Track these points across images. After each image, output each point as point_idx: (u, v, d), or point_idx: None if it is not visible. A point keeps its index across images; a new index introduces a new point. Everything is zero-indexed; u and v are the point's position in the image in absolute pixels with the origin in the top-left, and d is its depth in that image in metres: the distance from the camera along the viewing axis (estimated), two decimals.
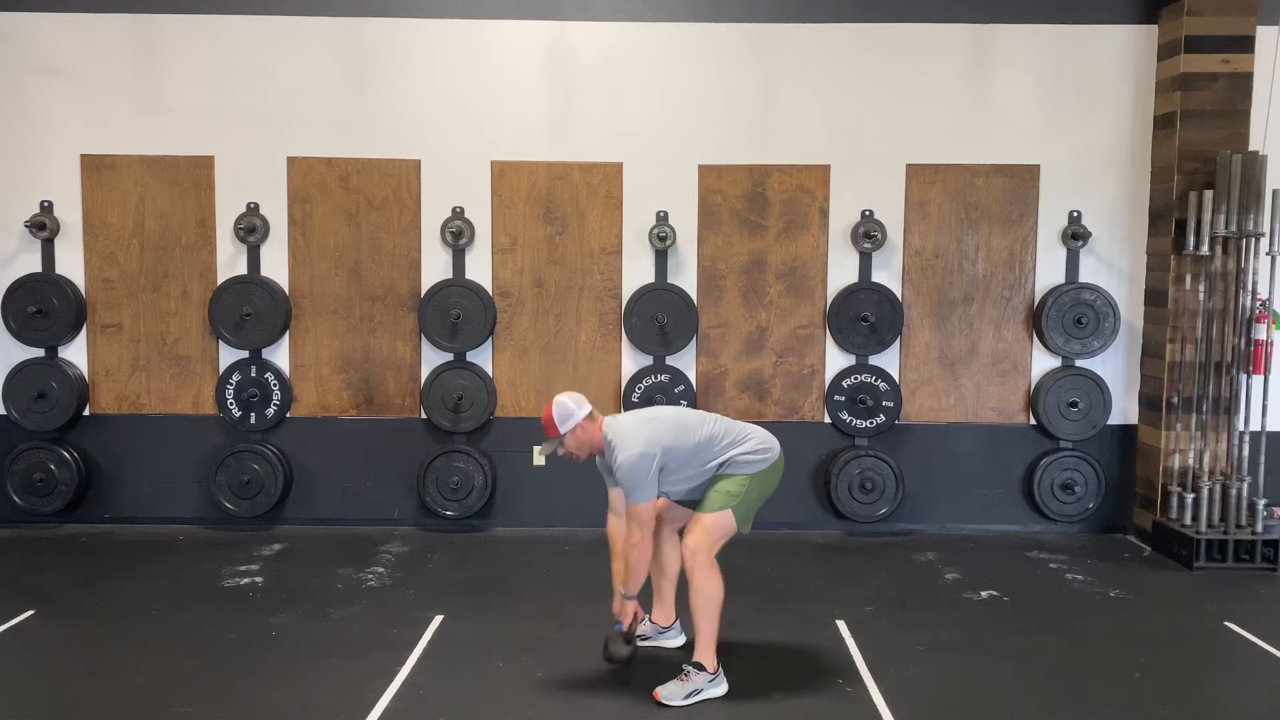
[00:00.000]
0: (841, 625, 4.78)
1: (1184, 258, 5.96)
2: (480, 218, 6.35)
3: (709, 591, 4.04)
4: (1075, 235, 6.32)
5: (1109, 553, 6.10)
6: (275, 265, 6.35)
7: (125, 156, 6.29)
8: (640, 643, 4.50)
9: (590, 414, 4.10)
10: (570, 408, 4.07)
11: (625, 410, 6.31)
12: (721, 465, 4.11)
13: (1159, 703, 4.03)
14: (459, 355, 6.38)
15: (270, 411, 6.34)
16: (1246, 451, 5.86)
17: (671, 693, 3.95)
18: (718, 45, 6.30)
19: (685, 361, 6.40)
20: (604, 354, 6.40)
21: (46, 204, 6.29)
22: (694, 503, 4.20)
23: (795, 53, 6.30)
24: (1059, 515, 6.40)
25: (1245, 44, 5.93)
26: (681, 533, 4.32)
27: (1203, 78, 5.96)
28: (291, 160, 6.32)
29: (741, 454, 4.12)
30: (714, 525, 4.06)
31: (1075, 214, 6.36)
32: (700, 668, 4.00)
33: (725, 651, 4.19)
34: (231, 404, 6.33)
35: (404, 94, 6.30)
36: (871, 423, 6.37)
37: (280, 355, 6.40)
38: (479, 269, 6.38)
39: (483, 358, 6.42)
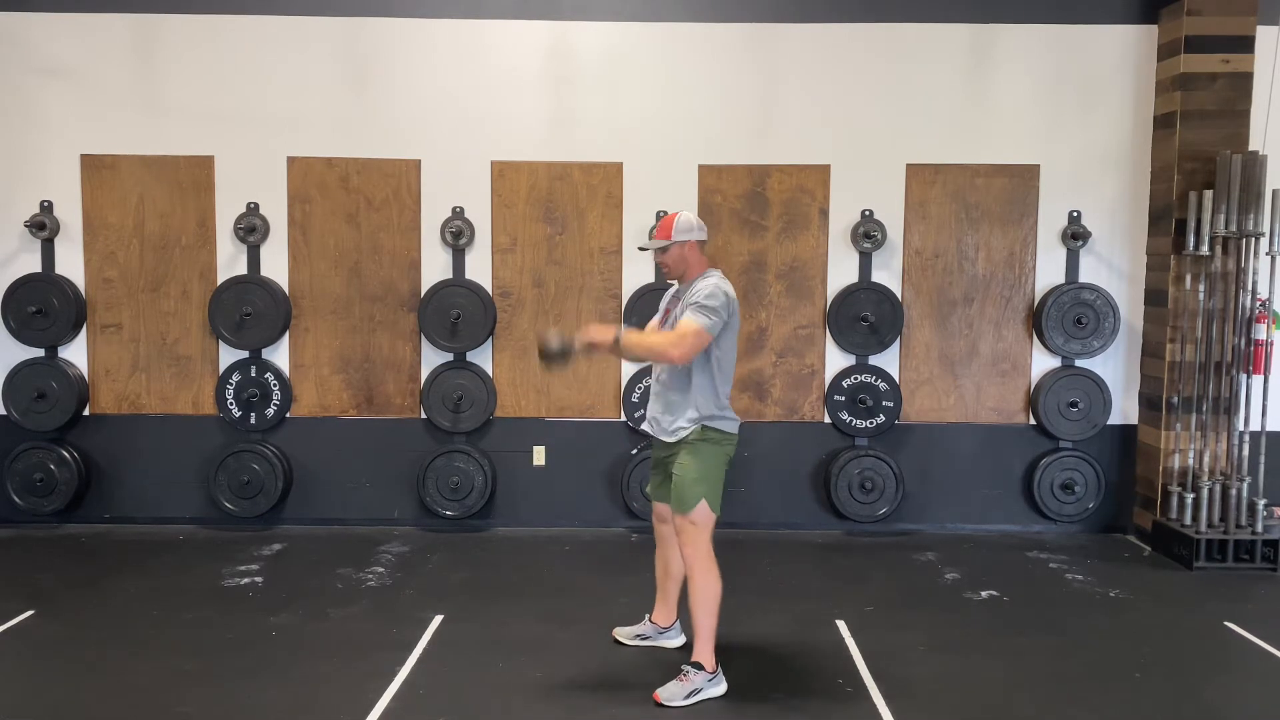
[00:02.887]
0: (841, 625, 4.78)
1: (1184, 258, 5.97)
2: (480, 218, 6.35)
3: (707, 589, 4.04)
4: (1075, 235, 6.32)
5: (1109, 553, 6.10)
6: (275, 265, 6.35)
7: (125, 156, 6.30)
8: (640, 643, 4.51)
9: (703, 243, 4.22)
10: (693, 224, 4.19)
11: (625, 410, 6.34)
12: (710, 416, 4.10)
13: (1159, 703, 4.03)
14: (459, 355, 6.38)
15: (270, 411, 6.34)
16: (1246, 451, 5.86)
17: (672, 693, 3.95)
18: (718, 45, 6.30)
19: None
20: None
21: (46, 204, 6.29)
22: (666, 489, 4.23)
23: (795, 53, 6.30)
24: (1059, 515, 6.40)
25: (1245, 44, 5.93)
26: None
27: (1203, 78, 5.96)
28: (291, 160, 6.32)
29: (727, 430, 4.15)
30: (700, 522, 4.06)
31: (1075, 214, 6.36)
32: (699, 667, 4.00)
33: (725, 651, 4.20)
34: (231, 404, 6.33)
35: (404, 94, 6.30)
36: (871, 423, 6.37)
37: (280, 355, 6.40)
38: (479, 269, 6.38)
39: (483, 358, 6.42)
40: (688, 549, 4.07)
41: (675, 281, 4.30)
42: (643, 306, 6.26)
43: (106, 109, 6.27)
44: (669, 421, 4.16)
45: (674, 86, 6.34)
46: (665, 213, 4.25)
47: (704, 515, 4.06)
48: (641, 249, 4.43)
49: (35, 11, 6.22)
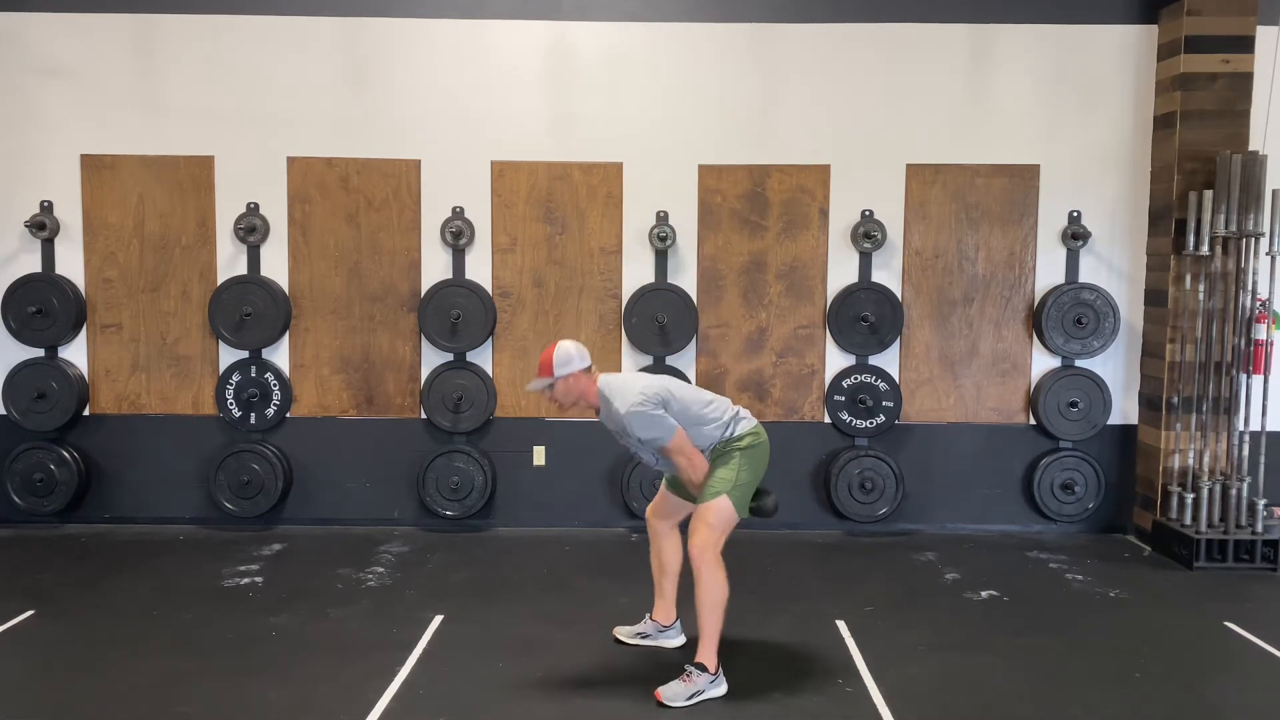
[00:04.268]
0: (841, 625, 4.78)
1: (1184, 258, 5.97)
2: (480, 218, 6.35)
3: (715, 590, 4.04)
4: (1075, 235, 6.32)
5: (1109, 553, 6.10)
6: (275, 265, 6.35)
7: (125, 156, 6.30)
8: (641, 641, 4.52)
9: (589, 368, 4.12)
10: (571, 354, 4.07)
11: None
12: (724, 440, 4.10)
13: (1159, 703, 4.03)
14: (459, 355, 6.38)
15: (270, 411, 6.34)
16: (1246, 451, 5.86)
17: (674, 693, 3.94)
18: (718, 45, 6.30)
19: (685, 361, 6.40)
20: (604, 354, 6.40)
21: (46, 204, 6.29)
22: (688, 493, 4.22)
23: (795, 53, 6.30)
24: (1059, 515, 6.40)
25: (1245, 44, 5.93)
26: (682, 527, 4.32)
27: (1203, 78, 5.96)
28: (291, 160, 6.32)
29: (742, 432, 4.14)
30: (716, 519, 4.04)
31: (1075, 214, 6.36)
32: (703, 668, 4.00)
33: (725, 651, 4.19)
34: (231, 404, 6.33)
35: (404, 94, 6.30)
36: (871, 423, 6.37)
37: (280, 355, 6.40)
38: (479, 269, 6.38)
39: (483, 358, 6.42)
40: (696, 549, 4.04)
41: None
42: (642, 307, 6.27)
43: (106, 109, 6.27)
44: (700, 481, 4.14)
45: (674, 86, 6.34)
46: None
47: (722, 511, 4.04)
48: (530, 390, 4.25)
49: (35, 11, 6.22)
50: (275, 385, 6.33)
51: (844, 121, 6.34)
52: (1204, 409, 5.96)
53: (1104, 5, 6.28)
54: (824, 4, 6.30)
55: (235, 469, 6.30)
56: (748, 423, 4.20)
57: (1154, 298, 6.27)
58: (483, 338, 6.32)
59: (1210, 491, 5.86)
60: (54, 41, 6.24)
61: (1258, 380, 5.92)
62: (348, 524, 6.44)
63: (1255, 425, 5.87)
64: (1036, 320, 6.36)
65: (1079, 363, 6.39)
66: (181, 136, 6.28)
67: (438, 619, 4.80)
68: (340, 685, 4.08)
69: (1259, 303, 5.85)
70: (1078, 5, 6.28)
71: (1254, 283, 5.81)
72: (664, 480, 4.43)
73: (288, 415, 6.41)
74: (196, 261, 6.35)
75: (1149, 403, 6.30)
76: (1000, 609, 5.10)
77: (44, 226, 6.23)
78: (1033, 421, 6.44)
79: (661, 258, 6.35)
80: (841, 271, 6.39)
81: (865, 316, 6.29)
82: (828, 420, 6.44)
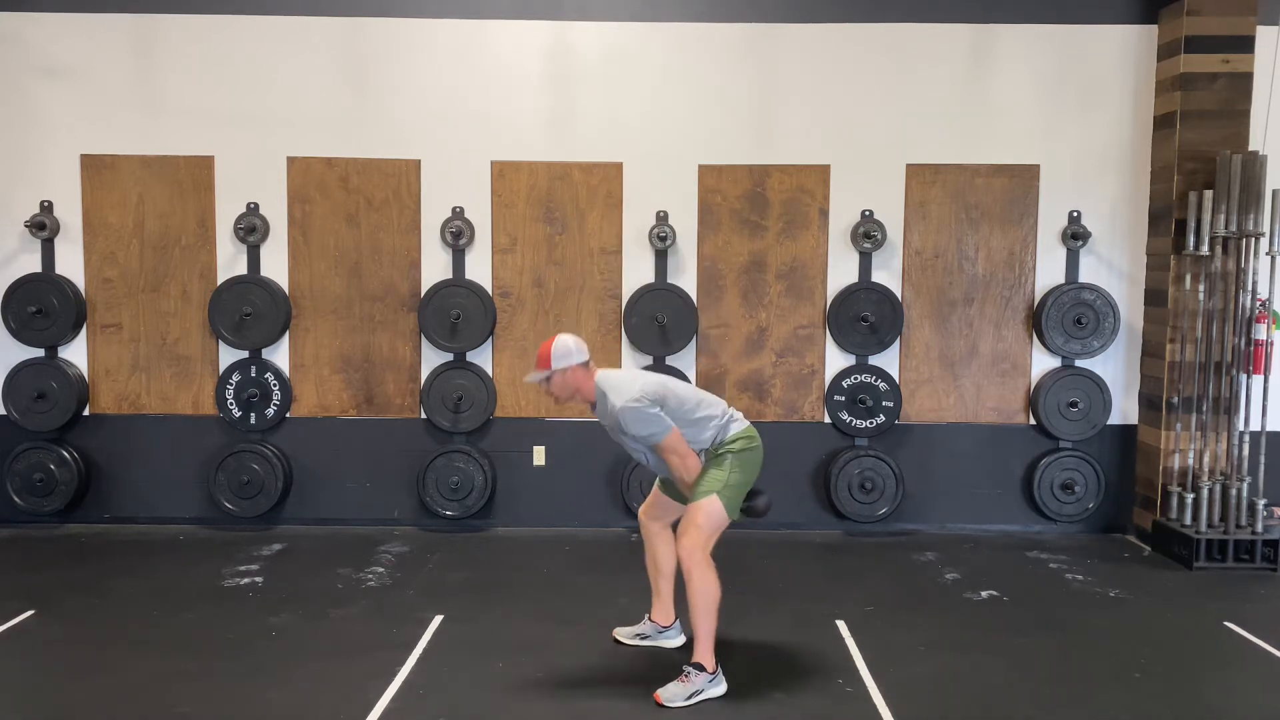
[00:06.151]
0: (841, 625, 4.78)
1: (1184, 258, 5.97)
2: (480, 218, 6.35)
3: (706, 590, 4.03)
4: (1075, 235, 6.32)
5: (1109, 553, 6.10)
6: (275, 265, 6.35)
7: (125, 156, 6.30)
8: (640, 642, 4.51)
9: (587, 363, 4.13)
10: (570, 348, 4.08)
11: None
12: (715, 442, 4.11)
13: (1159, 703, 4.03)
14: (459, 355, 6.38)
15: (270, 411, 6.34)
16: (1246, 451, 5.86)
17: (673, 694, 3.94)
18: (718, 45, 6.30)
19: (685, 361, 6.40)
20: (604, 354, 6.40)
21: (46, 204, 6.29)
22: (681, 495, 4.22)
23: (795, 53, 6.30)
24: (1059, 515, 6.40)
25: (1245, 44, 5.93)
26: (674, 527, 4.32)
27: (1203, 78, 5.96)
28: (291, 160, 6.32)
29: (734, 435, 4.15)
30: (706, 520, 4.03)
31: (1075, 214, 6.36)
32: (700, 668, 4.00)
33: (725, 651, 4.20)
34: (231, 404, 6.33)
35: (404, 94, 6.30)
36: (871, 423, 6.37)
37: (280, 355, 6.40)
38: (479, 269, 6.38)
39: (483, 358, 6.42)
40: (685, 551, 4.03)
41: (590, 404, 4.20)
42: (642, 307, 6.27)
43: (106, 109, 6.27)
44: (693, 482, 4.12)
45: (674, 86, 6.34)
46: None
47: (712, 511, 4.04)
48: (527, 382, 4.30)
49: (35, 11, 6.22)
50: (275, 385, 6.34)
51: (844, 121, 6.34)
52: (1204, 409, 5.96)
53: (1104, 5, 6.28)
54: (824, 4, 6.30)
55: (235, 469, 6.30)
56: (740, 425, 4.20)
57: (1154, 298, 6.27)
58: (483, 338, 6.33)
59: (1210, 491, 5.86)
60: (54, 41, 6.24)
61: (1258, 380, 5.92)
62: (348, 524, 6.44)
63: (1255, 425, 5.87)
64: (1036, 320, 6.36)
65: (1079, 363, 6.39)
66: (181, 136, 6.28)
67: (438, 619, 4.80)
68: (340, 685, 4.08)
69: (1259, 303, 5.85)
70: (1078, 5, 6.28)
71: (1254, 283, 5.81)
72: (657, 481, 4.43)
73: (288, 415, 6.41)
74: (196, 261, 6.35)
75: (1149, 403, 6.30)
76: (1000, 609, 5.10)
77: (44, 226, 6.23)
78: (1033, 421, 6.44)
79: (661, 258, 6.35)
80: (841, 271, 6.39)
81: (865, 316, 6.29)
82: (828, 420, 6.44)
